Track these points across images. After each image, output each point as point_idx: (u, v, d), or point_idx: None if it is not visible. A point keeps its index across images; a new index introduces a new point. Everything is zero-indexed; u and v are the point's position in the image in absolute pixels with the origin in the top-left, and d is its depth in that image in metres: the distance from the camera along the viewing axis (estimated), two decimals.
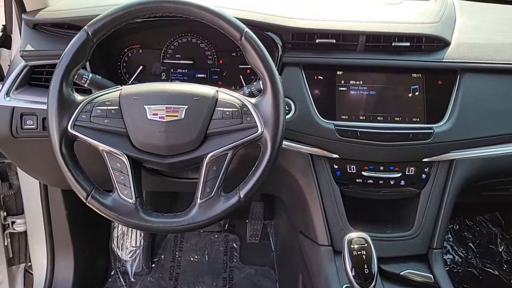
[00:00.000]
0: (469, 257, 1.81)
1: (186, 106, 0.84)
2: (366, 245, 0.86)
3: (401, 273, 0.99)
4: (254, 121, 0.85)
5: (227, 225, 1.89)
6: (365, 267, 0.84)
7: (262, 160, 0.86)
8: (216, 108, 0.86)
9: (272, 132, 0.85)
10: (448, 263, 1.79)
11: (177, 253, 1.81)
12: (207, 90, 0.87)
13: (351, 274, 0.85)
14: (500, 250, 1.83)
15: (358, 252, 0.85)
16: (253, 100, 0.87)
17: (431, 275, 0.98)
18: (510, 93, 1.07)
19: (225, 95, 0.88)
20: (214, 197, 0.86)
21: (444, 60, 1.06)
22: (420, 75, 1.07)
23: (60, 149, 0.83)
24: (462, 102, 1.04)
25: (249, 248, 1.84)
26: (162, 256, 1.80)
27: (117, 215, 0.84)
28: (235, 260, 1.80)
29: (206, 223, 0.86)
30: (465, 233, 1.87)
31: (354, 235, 0.87)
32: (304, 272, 1.16)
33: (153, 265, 1.78)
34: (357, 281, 0.84)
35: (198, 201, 0.86)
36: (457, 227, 1.89)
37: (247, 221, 1.88)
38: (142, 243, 1.75)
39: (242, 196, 0.86)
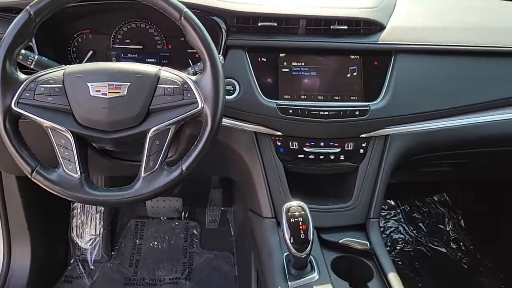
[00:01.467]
0: (419, 236, 1.90)
1: (129, 83, 0.88)
2: (303, 212, 0.91)
3: (339, 241, 1.05)
4: (194, 97, 0.90)
5: (187, 213, 1.93)
6: (302, 232, 0.89)
7: (203, 134, 0.90)
8: (158, 85, 0.89)
9: (212, 107, 0.89)
10: (400, 243, 1.88)
11: (137, 240, 1.83)
12: (149, 68, 0.91)
13: (288, 240, 0.90)
14: (448, 229, 1.93)
15: (295, 219, 0.90)
16: (194, 77, 0.92)
17: (367, 242, 1.05)
18: (441, 72, 1.15)
19: (167, 73, 0.92)
20: (157, 171, 0.89)
21: (379, 42, 1.12)
22: (357, 56, 1.14)
23: (4, 126, 0.85)
24: (396, 81, 1.11)
25: (209, 234, 1.88)
26: (123, 244, 1.83)
27: (62, 190, 0.87)
28: (195, 246, 1.84)
29: (150, 195, 0.89)
30: (415, 214, 1.97)
31: (291, 203, 0.92)
32: (254, 248, 1.20)
33: (113, 252, 1.80)
34: (294, 246, 0.90)
35: (142, 174, 0.89)
36: (408, 208, 1.98)
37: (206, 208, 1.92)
38: (101, 232, 1.77)
39: (184, 169, 0.90)
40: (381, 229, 1.93)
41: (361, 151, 1.12)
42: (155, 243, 1.84)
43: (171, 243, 1.84)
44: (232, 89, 1.09)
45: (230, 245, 1.84)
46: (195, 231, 1.88)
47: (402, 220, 1.95)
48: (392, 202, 2.00)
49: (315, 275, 0.94)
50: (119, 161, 1.21)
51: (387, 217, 1.96)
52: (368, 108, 1.09)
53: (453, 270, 1.79)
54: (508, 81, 1.16)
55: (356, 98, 1.12)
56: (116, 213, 1.87)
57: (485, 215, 1.87)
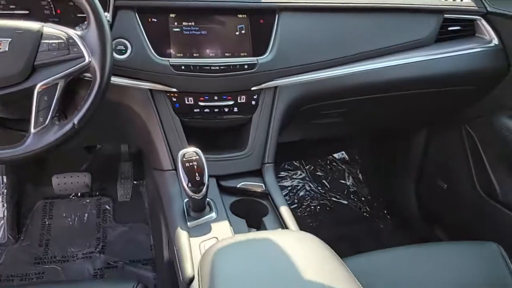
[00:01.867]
0: (323, 192, 2.06)
1: (10, 39, 0.87)
2: (197, 157, 0.97)
3: (237, 186, 1.12)
4: (81, 51, 0.91)
5: (98, 190, 1.91)
6: (197, 175, 0.95)
7: (93, 88, 0.92)
8: (42, 41, 0.90)
9: (100, 61, 0.91)
10: (306, 199, 2.02)
11: (46, 220, 1.79)
12: (31, 24, 0.91)
13: (185, 183, 0.95)
14: (348, 183, 2.11)
15: (190, 164, 0.96)
16: (79, 32, 0.93)
17: (262, 184, 1.13)
18: (321, 27, 1.25)
19: (51, 29, 0.92)
20: (48, 126, 0.90)
21: (263, 2, 1.20)
22: (245, 15, 1.20)
23: None
24: (281, 37, 1.20)
25: (122, 208, 1.89)
26: (30, 225, 1.78)
27: None
28: (108, 221, 1.83)
29: (41, 151, 0.90)
30: (319, 172, 2.12)
31: (186, 150, 0.97)
32: (160, 205, 1.24)
33: (21, 234, 1.74)
34: (191, 189, 0.95)
35: (32, 130, 0.89)
36: (312, 167, 2.13)
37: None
38: (5, 214, 1.70)
39: (76, 122, 0.91)
40: (289, 188, 2.06)
41: (253, 102, 1.20)
42: (66, 221, 1.80)
43: (83, 220, 1.82)
44: (123, 48, 1.11)
45: (144, 216, 1.86)
46: (107, 206, 1.88)
47: (307, 178, 2.09)
48: (297, 163, 2.13)
49: (213, 215, 1.01)
50: (13, 131, 1.18)
51: (293, 177, 2.10)
52: (256, 62, 1.17)
53: (354, 219, 1.97)
54: (380, 35, 1.29)
55: (246, 54, 1.19)
56: (21, 195, 1.80)
57: (379, 167, 2.07)
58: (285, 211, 1.04)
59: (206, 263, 0.74)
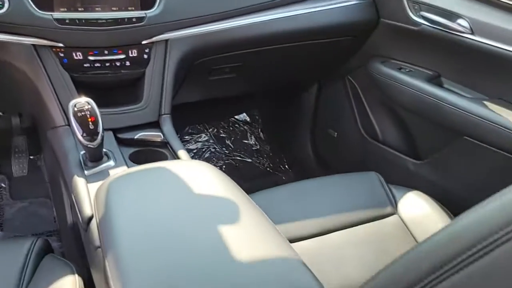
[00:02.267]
0: (228, 152, 2.13)
1: None
2: (89, 106, 0.97)
3: (135, 137, 1.15)
4: None
5: None
6: (90, 124, 0.96)
7: None
8: None
9: None
10: (212, 160, 2.08)
11: None
12: None
13: (78, 133, 0.95)
14: (251, 142, 2.20)
15: (83, 113, 0.96)
16: None
17: (160, 134, 1.17)
18: None
19: None
20: None
21: None
22: None
23: None
24: None
25: (19, 184, 1.79)
26: None
27: None
28: (4, 198, 1.74)
29: None
30: (222, 134, 2.19)
31: (78, 100, 0.96)
32: (58, 168, 1.22)
33: None
34: (85, 138, 0.96)
35: None
36: (215, 130, 2.19)
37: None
38: None
39: None
40: (194, 151, 2.10)
41: (145, 56, 1.21)
42: None
43: None
44: (0, 3, 1.06)
45: (45, 191, 1.79)
46: (2, 184, 1.77)
47: (211, 140, 2.15)
48: (200, 127, 2.18)
49: (111, 163, 1.03)
50: None
51: (198, 140, 2.14)
52: (144, 15, 1.18)
53: (258, 174, 2.07)
54: None
55: (133, 8, 1.19)
56: None
57: (278, 125, 2.19)
58: (183, 154, 1.09)
59: (100, 196, 0.76)
